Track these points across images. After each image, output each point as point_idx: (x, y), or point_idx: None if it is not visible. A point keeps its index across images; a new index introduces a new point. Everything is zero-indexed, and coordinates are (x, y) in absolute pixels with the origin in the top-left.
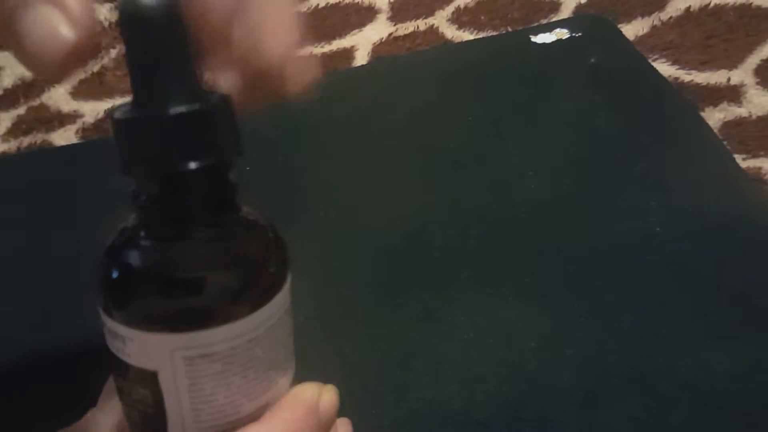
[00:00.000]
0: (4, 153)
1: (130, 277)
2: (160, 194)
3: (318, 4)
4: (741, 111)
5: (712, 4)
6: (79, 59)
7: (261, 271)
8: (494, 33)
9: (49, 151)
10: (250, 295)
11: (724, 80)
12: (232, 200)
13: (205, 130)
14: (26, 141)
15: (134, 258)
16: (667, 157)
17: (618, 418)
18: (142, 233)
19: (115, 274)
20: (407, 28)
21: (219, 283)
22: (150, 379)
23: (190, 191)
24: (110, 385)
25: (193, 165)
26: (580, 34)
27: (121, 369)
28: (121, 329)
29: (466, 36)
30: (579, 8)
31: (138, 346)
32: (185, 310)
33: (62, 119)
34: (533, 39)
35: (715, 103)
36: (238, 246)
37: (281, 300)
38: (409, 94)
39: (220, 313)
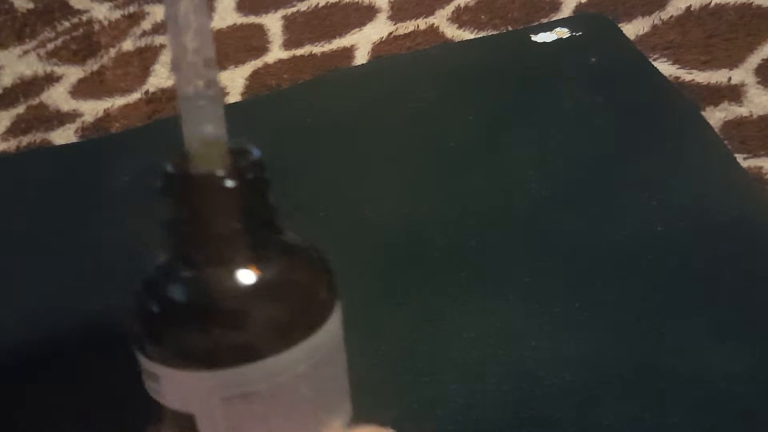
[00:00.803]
0: (3, 152)
1: (161, 309)
2: (197, 220)
3: (318, 4)
4: (742, 110)
5: (712, 4)
6: None
7: (304, 299)
8: (494, 32)
9: (48, 151)
10: (293, 325)
11: (725, 80)
12: (272, 223)
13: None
14: (25, 140)
15: (166, 290)
16: (668, 157)
17: (618, 418)
18: (176, 263)
19: (147, 308)
20: (407, 27)
21: (258, 314)
22: (185, 422)
23: (227, 214)
24: None
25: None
26: (580, 33)
27: (155, 412)
28: (154, 367)
29: (467, 35)
30: (579, 7)
31: (172, 386)
32: (222, 344)
33: (61, 118)
34: (533, 38)
35: (716, 102)
36: (278, 273)
37: (329, 330)
38: (409, 93)
39: (260, 346)
